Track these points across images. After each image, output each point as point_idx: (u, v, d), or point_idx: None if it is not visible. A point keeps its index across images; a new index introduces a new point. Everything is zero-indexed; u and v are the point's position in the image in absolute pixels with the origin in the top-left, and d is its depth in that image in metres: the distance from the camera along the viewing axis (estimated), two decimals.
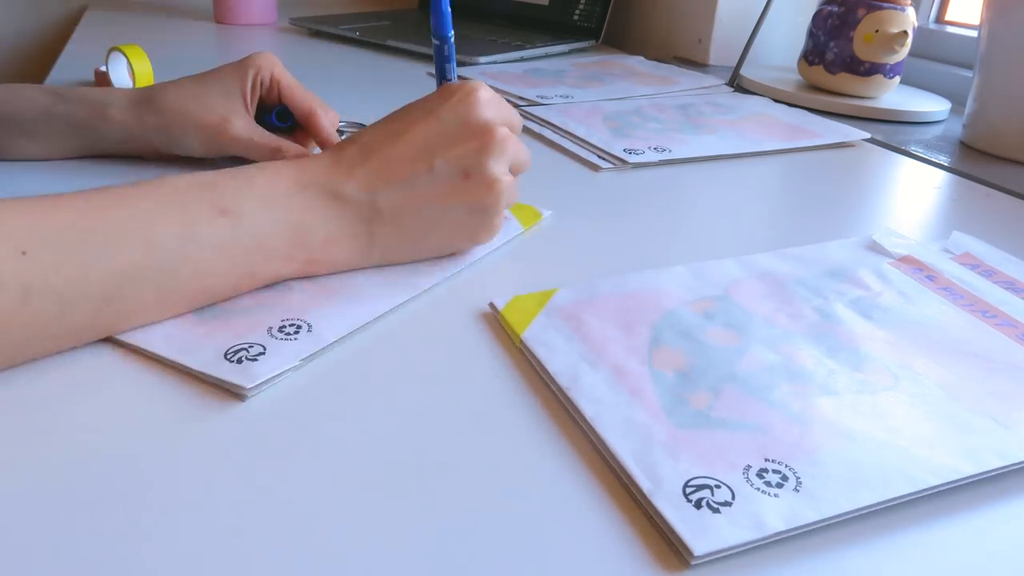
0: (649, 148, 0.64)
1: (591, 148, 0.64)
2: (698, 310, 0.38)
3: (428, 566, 0.23)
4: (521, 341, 0.35)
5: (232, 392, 0.31)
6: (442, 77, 0.51)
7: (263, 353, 0.32)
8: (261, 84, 0.53)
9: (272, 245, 0.36)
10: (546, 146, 0.65)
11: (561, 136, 0.67)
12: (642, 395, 0.31)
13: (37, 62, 1.34)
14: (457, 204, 0.40)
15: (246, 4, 1.12)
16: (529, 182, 0.49)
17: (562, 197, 0.53)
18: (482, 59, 0.93)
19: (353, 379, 0.32)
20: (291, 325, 0.35)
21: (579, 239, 0.47)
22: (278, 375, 0.32)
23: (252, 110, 0.53)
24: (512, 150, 0.41)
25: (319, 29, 1.08)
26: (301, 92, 0.54)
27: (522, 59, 0.98)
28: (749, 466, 0.27)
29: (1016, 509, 0.27)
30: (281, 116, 0.55)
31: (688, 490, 0.26)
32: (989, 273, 0.43)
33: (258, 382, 0.31)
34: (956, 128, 0.78)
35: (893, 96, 0.85)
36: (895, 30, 0.79)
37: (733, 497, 0.26)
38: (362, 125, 0.69)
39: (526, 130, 0.68)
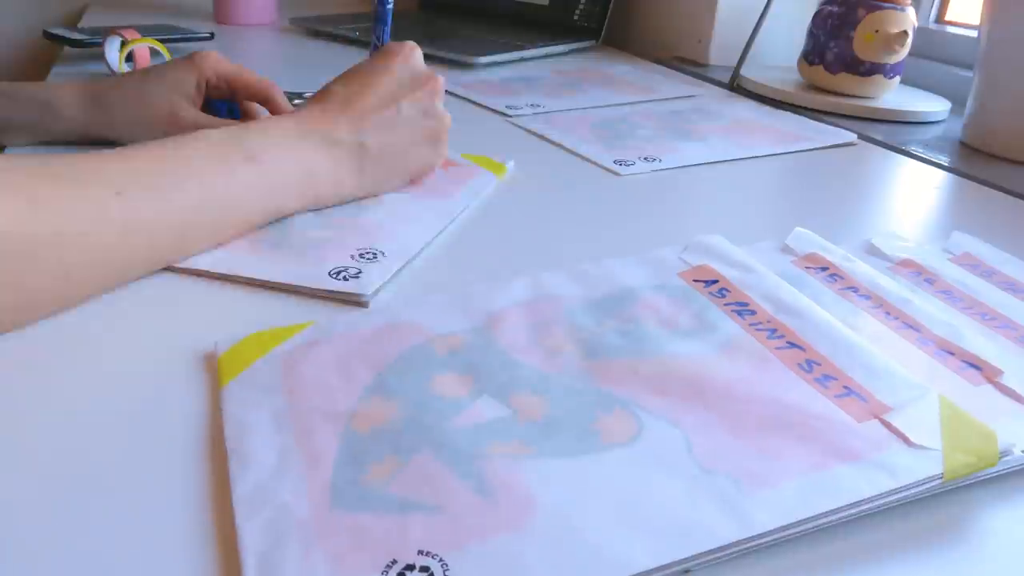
0: (640, 159, 0.63)
1: (581, 158, 0.63)
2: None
3: None
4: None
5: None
6: (378, 38, 0.64)
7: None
8: (208, 83, 0.55)
9: (289, 183, 0.44)
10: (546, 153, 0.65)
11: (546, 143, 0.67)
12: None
13: (37, 61, 1.34)
14: (420, 138, 0.51)
15: (246, 4, 1.11)
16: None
17: (571, 201, 0.53)
18: (482, 59, 0.93)
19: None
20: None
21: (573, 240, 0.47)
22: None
23: (199, 106, 0.56)
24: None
25: (319, 29, 1.08)
26: (253, 75, 0.57)
27: (522, 59, 0.98)
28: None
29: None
30: (232, 111, 0.58)
31: None
32: (989, 273, 0.43)
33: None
34: (956, 128, 0.78)
35: (893, 96, 0.85)
36: (895, 30, 0.79)
37: None
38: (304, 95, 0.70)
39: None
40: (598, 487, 0.26)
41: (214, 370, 0.32)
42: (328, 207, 0.47)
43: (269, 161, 0.43)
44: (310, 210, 0.47)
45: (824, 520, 0.25)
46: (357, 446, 0.27)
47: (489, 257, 0.45)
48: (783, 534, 0.24)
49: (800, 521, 0.25)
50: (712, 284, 0.39)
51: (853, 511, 0.25)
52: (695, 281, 0.40)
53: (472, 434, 0.28)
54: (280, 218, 0.45)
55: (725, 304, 0.37)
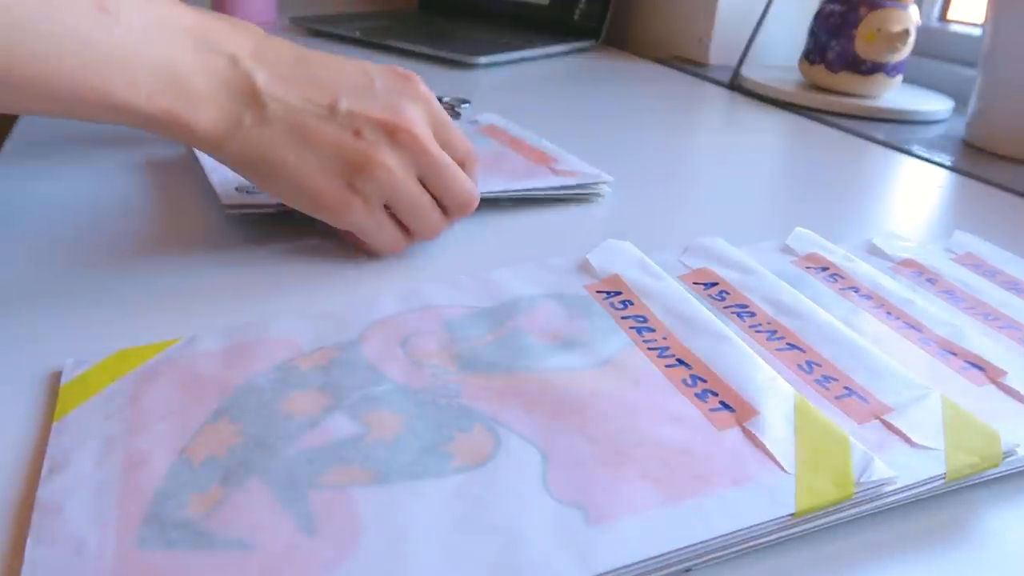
0: None
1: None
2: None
3: None
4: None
5: None
6: None
7: None
8: None
9: (131, 63, 0.32)
10: None
11: None
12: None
13: None
14: (331, 153, 0.36)
15: (245, 3, 1.11)
16: None
17: None
18: (482, 59, 0.93)
19: None
20: None
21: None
22: None
23: None
24: (424, 165, 0.37)
25: (319, 29, 1.07)
26: None
27: (523, 59, 0.98)
28: None
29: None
30: None
31: None
32: (992, 273, 0.43)
33: None
34: (959, 127, 0.78)
35: (895, 95, 0.84)
36: (897, 28, 0.79)
37: None
38: (467, 101, 0.71)
39: None
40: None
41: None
42: (168, 138, 0.35)
43: (124, 24, 0.31)
44: (149, 129, 0.33)
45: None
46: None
47: None
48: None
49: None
50: (712, 287, 0.39)
51: (854, 511, 0.25)
52: (695, 284, 0.39)
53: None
54: (98, 108, 0.32)
55: (725, 307, 0.37)
